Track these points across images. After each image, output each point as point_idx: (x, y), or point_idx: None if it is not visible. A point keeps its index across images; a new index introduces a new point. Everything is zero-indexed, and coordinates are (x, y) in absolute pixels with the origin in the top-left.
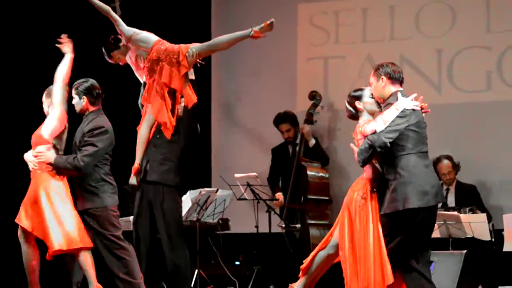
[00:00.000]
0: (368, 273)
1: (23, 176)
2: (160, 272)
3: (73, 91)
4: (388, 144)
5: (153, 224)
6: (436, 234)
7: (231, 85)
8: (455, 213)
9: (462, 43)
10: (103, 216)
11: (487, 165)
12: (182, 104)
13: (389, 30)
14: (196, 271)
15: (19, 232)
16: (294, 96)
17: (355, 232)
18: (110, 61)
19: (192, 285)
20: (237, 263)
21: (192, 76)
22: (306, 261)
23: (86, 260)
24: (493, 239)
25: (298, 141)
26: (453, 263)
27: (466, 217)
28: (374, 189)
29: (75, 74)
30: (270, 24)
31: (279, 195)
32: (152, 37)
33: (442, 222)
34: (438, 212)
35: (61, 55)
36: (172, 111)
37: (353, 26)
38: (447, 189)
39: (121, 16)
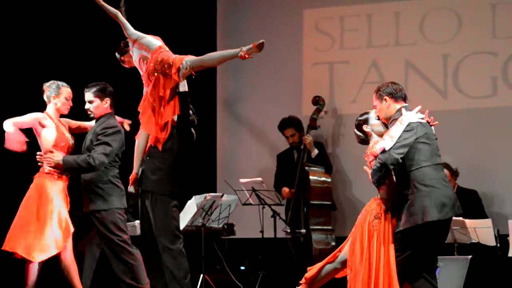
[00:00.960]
0: None
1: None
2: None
3: (91, 95)
4: (400, 160)
5: None
6: None
7: (237, 90)
8: (460, 218)
9: (468, 48)
10: (109, 219)
11: (493, 170)
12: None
13: (394, 35)
14: (201, 276)
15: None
16: (299, 101)
17: (371, 252)
18: (124, 65)
19: (197, 287)
20: (242, 268)
21: (185, 88)
22: (312, 271)
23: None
24: (498, 245)
25: (302, 147)
26: (458, 269)
27: (471, 223)
28: (389, 209)
29: (78, 76)
30: (258, 45)
31: (285, 188)
32: (154, 43)
33: None
34: None
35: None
36: (165, 123)
37: (358, 31)
38: None
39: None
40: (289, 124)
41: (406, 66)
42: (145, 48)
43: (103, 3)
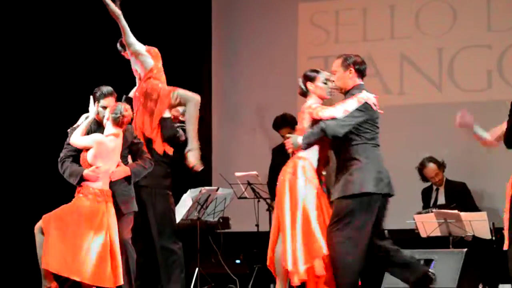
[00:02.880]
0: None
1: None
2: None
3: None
4: (340, 136)
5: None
6: (436, 232)
7: (232, 83)
8: (455, 211)
9: (463, 41)
10: (128, 221)
11: (488, 163)
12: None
13: (389, 29)
14: (197, 269)
15: (38, 225)
16: (294, 95)
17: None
18: (123, 54)
19: (192, 281)
20: (238, 261)
21: (168, 114)
22: None
23: None
24: (493, 238)
25: None
26: (454, 262)
27: (466, 215)
28: (322, 173)
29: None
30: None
31: None
32: (148, 62)
33: (442, 221)
34: (438, 210)
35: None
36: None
37: (353, 25)
38: (437, 189)
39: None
40: (284, 123)
41: (401, 59)
42: (140, 65)
43: (108, 1)
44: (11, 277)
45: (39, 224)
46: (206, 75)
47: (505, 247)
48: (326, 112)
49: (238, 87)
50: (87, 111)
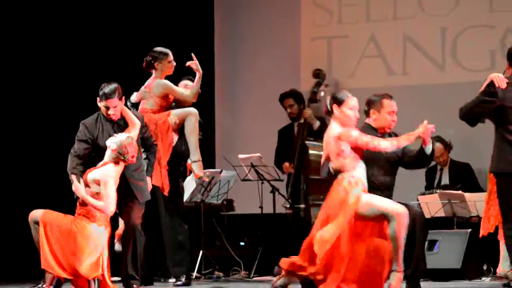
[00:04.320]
0: None
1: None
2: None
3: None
4: None
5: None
6: (440, 213)
7: (235, 65)
8: (460, 192)
9: (466, 22)
10: (141, 208)
11: (491, 144)
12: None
13: (392, 9)
14: (201, 252)
15: (34, 216)
16: (298, 76)
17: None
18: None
19: (197, 264)
20: (242, 244)
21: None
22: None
23: None
24: None
25: (302, 121)
26: (458, 242)
27: (470, 196)
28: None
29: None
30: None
31: (286, 164)
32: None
33: (447, 201)
34: (442, 191)
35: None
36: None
37: (356, 6)
38: (441, 169)
39: None
40: (289, 95)
41: (405, 40)
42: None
43: None
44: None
45: (35, 215)
46: (208, 57)
47: (481, 234)
48: (383, 145)
49: (241, 69)
50: (88, 107)
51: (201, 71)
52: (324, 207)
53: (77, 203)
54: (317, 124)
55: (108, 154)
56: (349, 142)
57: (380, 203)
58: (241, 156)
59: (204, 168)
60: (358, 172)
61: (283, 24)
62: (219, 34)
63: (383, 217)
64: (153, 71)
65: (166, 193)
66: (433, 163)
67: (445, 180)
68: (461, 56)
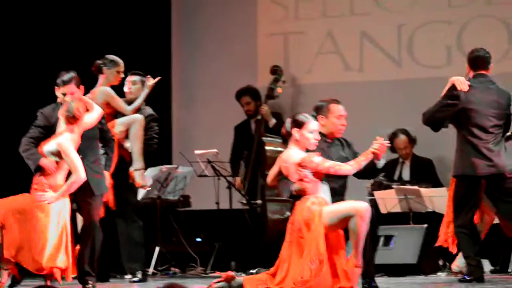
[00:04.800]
0: None
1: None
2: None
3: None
4: None
5: None
6: (396, 208)
7: (192, 61)
8: (415, 187)
9: (423, 18)
10: (99, 202)
11: (447, 139)
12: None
13: (349, 5)
14: (157, 248)
15: None
16: (255, 73)
17: None
18: None
19: (153, 260)
20: (198, 240)
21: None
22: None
23: None
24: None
25: (259, 117)
26: (414, 237)
27: (426, 191)
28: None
29: None
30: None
31: (238, 179)
32: None
33: (403, 197)
34: (398, 186)
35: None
36: None
37: (313, 2)
38: (403, 163)
39: None
40: (245, 92)
41: (361, 36)
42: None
43: None
44: None
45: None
46: (165, 53)
47: (437, 243)
48: (344, 170)
49: (198, 65)
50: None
51: (149, 90)
52: (290, 231)
53: (33, 178)
54: (273, 121)
55: (60, 125)
56: (311, 168)
57: (341, 206)
58: (197, 152)
59: (161, 164)
60: (321, 193)
61: (240, 20)
62: (176, 30)
63: (348, 218)
64: (100, 76)
65: (112, 206)
66: (395, 155)
67: (406, 174)
68: (418, 52)
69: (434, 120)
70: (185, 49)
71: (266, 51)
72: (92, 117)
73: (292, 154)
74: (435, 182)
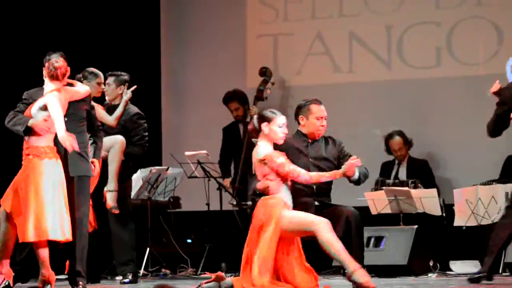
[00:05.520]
0: None
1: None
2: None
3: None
4: None
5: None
6: (387, 209)
7: (181, 63)
8: (406, 188)
9: (412, 19)
10: (85, 194)
11: (437, 140)
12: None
13: (338, 7)
14: (148, 249)
15: (1, 210)
16: (244, 74)
17: None
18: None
19: (144, 261)
20: (189, 241)
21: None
22: None
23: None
24: (444, 214)
25: (248, 119)
26: (404, 239)
27: (417, 192)
28: None
29: None
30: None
31: (226, 181)
32: None
33: (393, 198)
34: (389, 188)
35: None
36: None
37: (302, 3)
38: (399, 164)
39: None
40: (233, 97)
41: (350, 37)
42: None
43: None
44: None
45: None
46: (154, 55)
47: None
48: (302, 177)
49: (187, 67)
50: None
51: (127, 99)
52: (251, 229)
53: (23, 142)
54: None
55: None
56: (271, 168)
57: (301, 219)
58: (187, 153)
59: (151, 165)
60: (282, 194)
61: (229, 22)
62: (165, 31)
63: (307, 232)
64: None
65: (92, 226)
66: (391, 157)
67: (402, 176)
68: (407, 53)
69: (499, 130)
70: (175, 50)
71: (256, 52)
72: (78, 89)
73: (259, 151)
74: (431, 182)
